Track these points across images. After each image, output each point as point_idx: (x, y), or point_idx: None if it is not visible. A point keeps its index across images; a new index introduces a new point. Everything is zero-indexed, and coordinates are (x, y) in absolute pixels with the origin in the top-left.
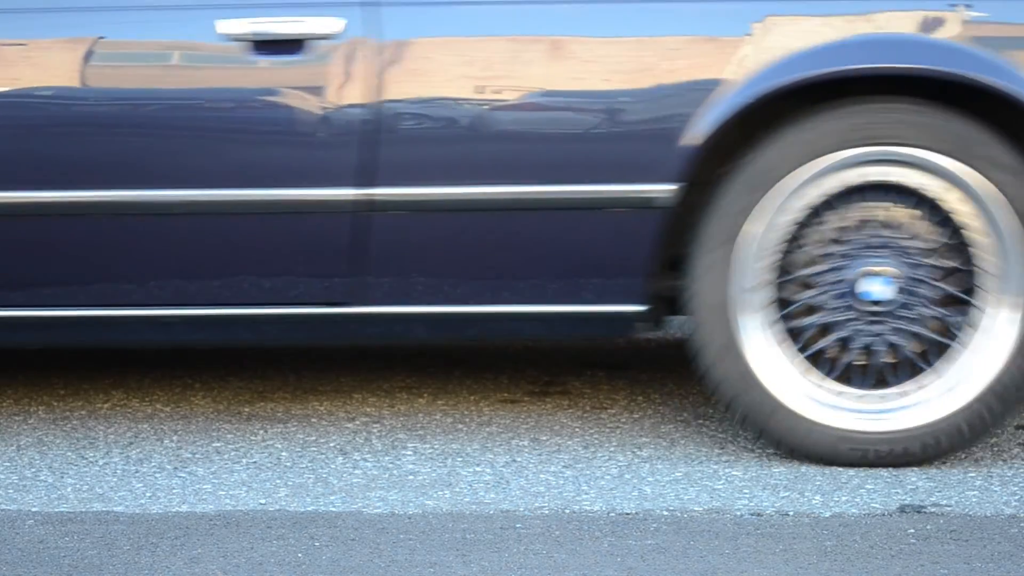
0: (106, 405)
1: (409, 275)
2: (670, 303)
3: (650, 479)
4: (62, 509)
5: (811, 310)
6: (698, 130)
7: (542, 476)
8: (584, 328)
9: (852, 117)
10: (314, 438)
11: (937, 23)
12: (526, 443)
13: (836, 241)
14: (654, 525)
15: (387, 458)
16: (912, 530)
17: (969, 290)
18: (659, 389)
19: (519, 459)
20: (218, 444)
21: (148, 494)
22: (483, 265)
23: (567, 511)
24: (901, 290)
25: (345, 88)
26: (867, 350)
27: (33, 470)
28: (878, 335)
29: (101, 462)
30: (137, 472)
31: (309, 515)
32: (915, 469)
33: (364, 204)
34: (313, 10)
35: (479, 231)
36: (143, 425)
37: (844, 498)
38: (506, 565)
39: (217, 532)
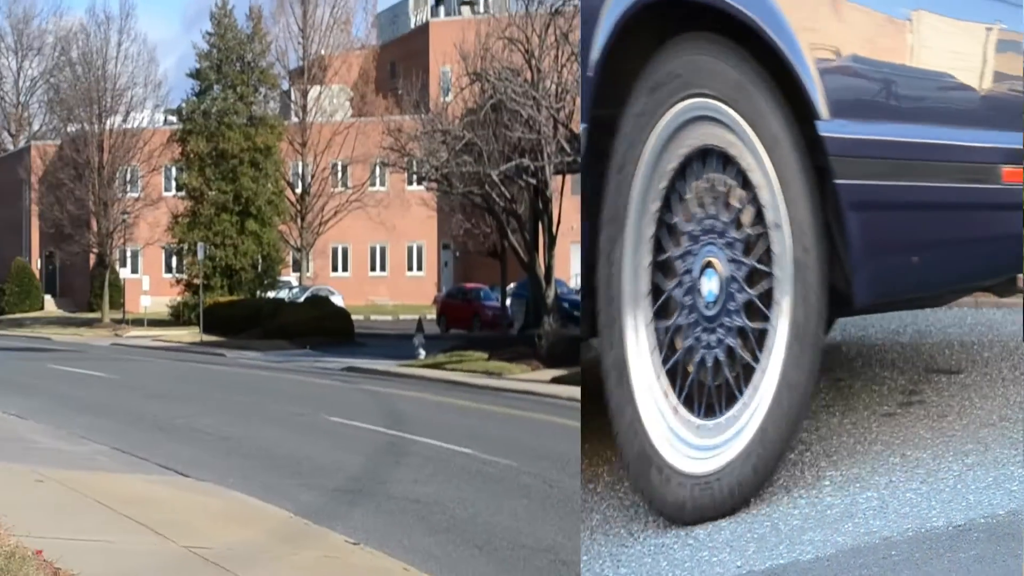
0: None
1: None
2: None
3: (973, 486)
4: None
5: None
6: None
7: (907, 495)
8: None
9: (671, 60)
10: None
11: None
12: (897, 460)
13: (690, 220)
14: (975, 535)
15: (813, 491)
16: None
17: (769, 297)
18: (986, 392)
19: (893, 479)
20: None
21: None
22: None
23: (923, 530)
24: (722, 290)
25: None
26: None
27: None
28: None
29: None
30: None
31: (770, 571)
32: None
33: None
34: None
35: None
36: None
37: None
38: None
39: None
